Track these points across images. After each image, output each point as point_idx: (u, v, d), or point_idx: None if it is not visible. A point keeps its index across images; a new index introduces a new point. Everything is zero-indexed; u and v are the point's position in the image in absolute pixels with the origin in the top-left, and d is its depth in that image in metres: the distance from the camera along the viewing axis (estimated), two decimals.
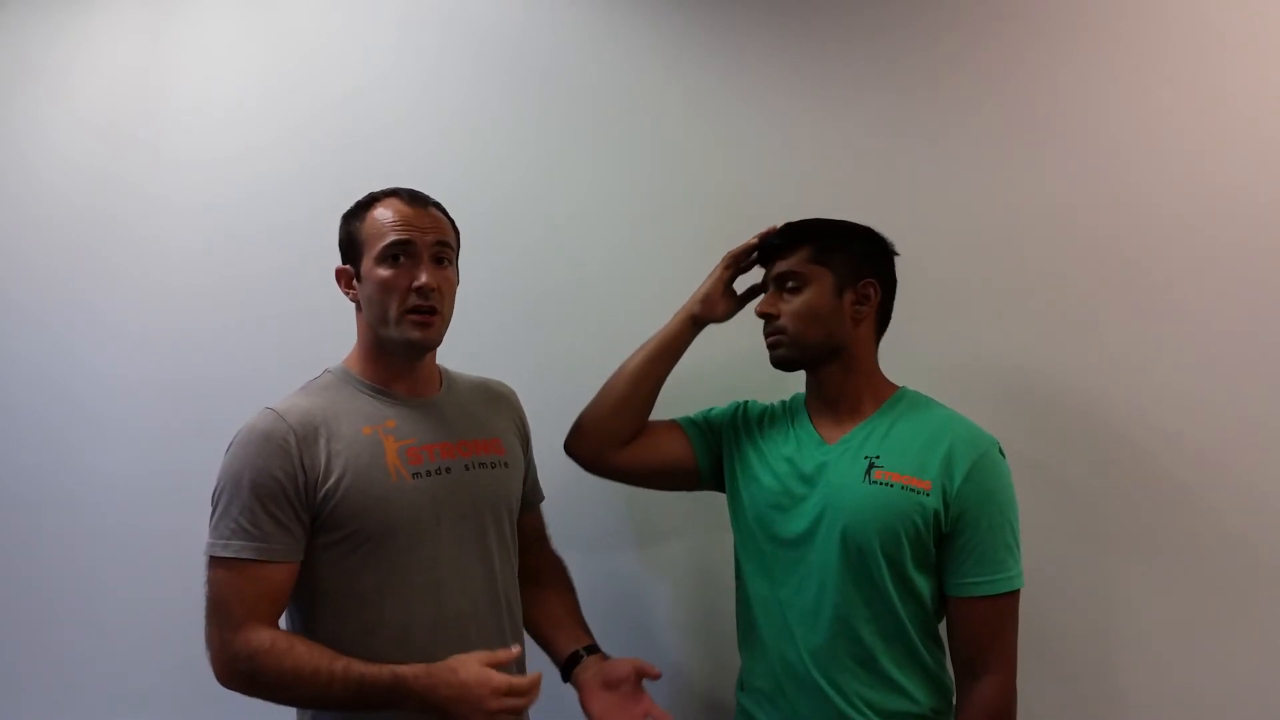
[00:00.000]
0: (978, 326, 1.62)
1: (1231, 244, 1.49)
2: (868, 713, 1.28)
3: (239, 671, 1.17)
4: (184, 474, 1.93)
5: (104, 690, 2.09)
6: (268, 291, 2.00)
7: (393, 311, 1.27)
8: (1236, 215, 1.49)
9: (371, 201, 1.33)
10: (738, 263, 1.46)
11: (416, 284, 1.26)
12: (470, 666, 1.16)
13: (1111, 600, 1.54)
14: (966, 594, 1.27)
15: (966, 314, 1.62)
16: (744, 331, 1.47)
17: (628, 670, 1.33)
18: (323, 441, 1.24)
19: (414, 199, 1.32)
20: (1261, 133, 1.48)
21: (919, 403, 1.38)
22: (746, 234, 1.45)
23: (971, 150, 1.63)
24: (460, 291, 1.37)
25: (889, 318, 1.41)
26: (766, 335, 1.38)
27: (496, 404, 1.47)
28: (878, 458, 1.31)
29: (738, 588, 1.45)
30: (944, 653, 1.34)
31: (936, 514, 1.26)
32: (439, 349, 1.36)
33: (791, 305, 1.35)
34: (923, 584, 1.29)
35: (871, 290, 1.36)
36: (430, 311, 1.28)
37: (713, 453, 1.49)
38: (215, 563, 1.20)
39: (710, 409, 1.53)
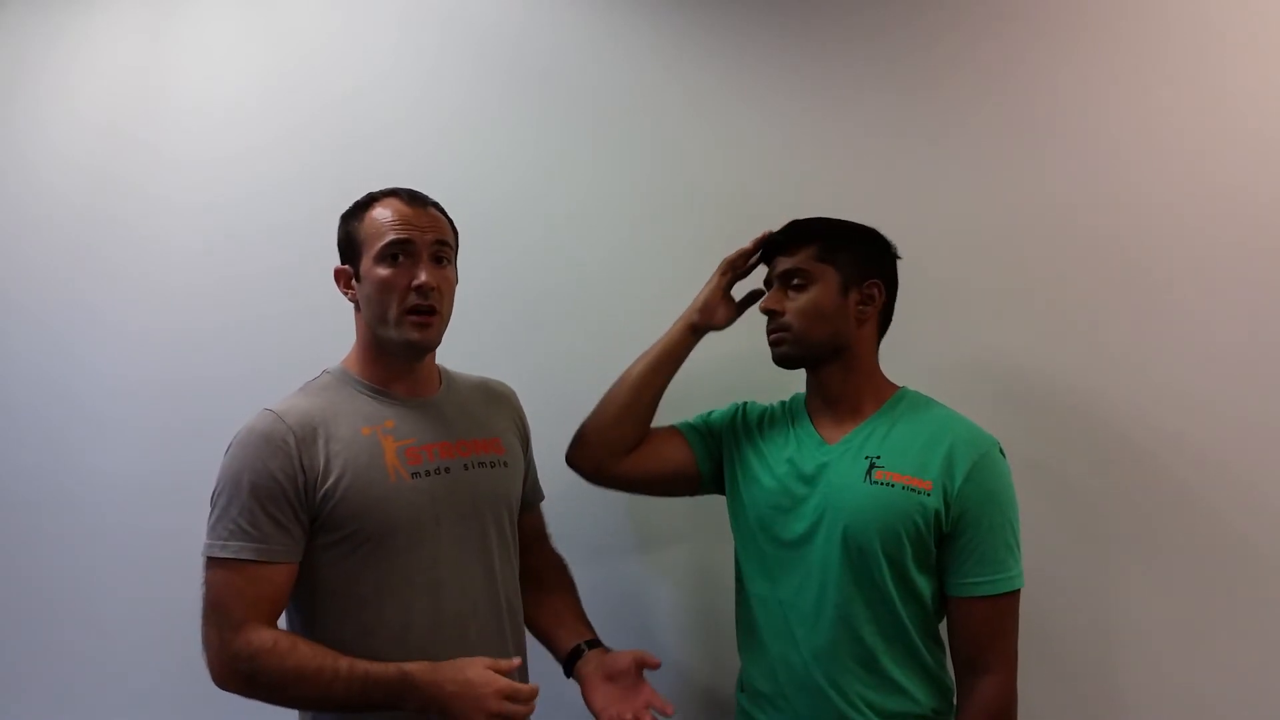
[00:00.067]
0: (978, 326, 1.62)
1: (1231, 244, 1.49)
2: (868, 713, 1.28)
3: (238, 672, 1.17)
4: (184, 474, 1.92)
5: (104, 690, 2.09)
6: (268, 291, 2.00)
7: (392, 311, 1.27)
8: (1236, 215, 1.49)
9: (370, 201, 1.33)
10: (735, 269, 1.46)
11: (416, 283, 1.26)
12: (476, 666, 1.18)
13: (1111, 600, 1.54)
14: (967, 594, 1.27)
15: (966, 314, 1.62)
16: (744, 331, 1.47)
17: (628, 661, 1.34)
18: (322, 442, 1.24)
19: (413, 199, 1.32)
20: (1261, 133, 1.48)
21: (919, 403, 1.38)
22: (746, 234, 1.45)
23: (971, 150, 1.63)
24: (460, 291, 1.37)
25: (890, 319, 1.41)
26: (769, 332, 1.38)
27: (496, 403, 1.47)
28: (878, 458, 1.31)
29: (737, 589, 1.45)
30: (944, 653, 1.34)
31: (937, 514, 1.26)
32: (439, 349, 1.36)
33: (797, 303, 1.35)
34: (923, 584, 1.29)
35: (876, 291, 1.36)
36: (429, 311, 1.28)
37: (714, 457, 1.49)
38: (213, 564, 1.20)
39: (710, 412, 1.53)
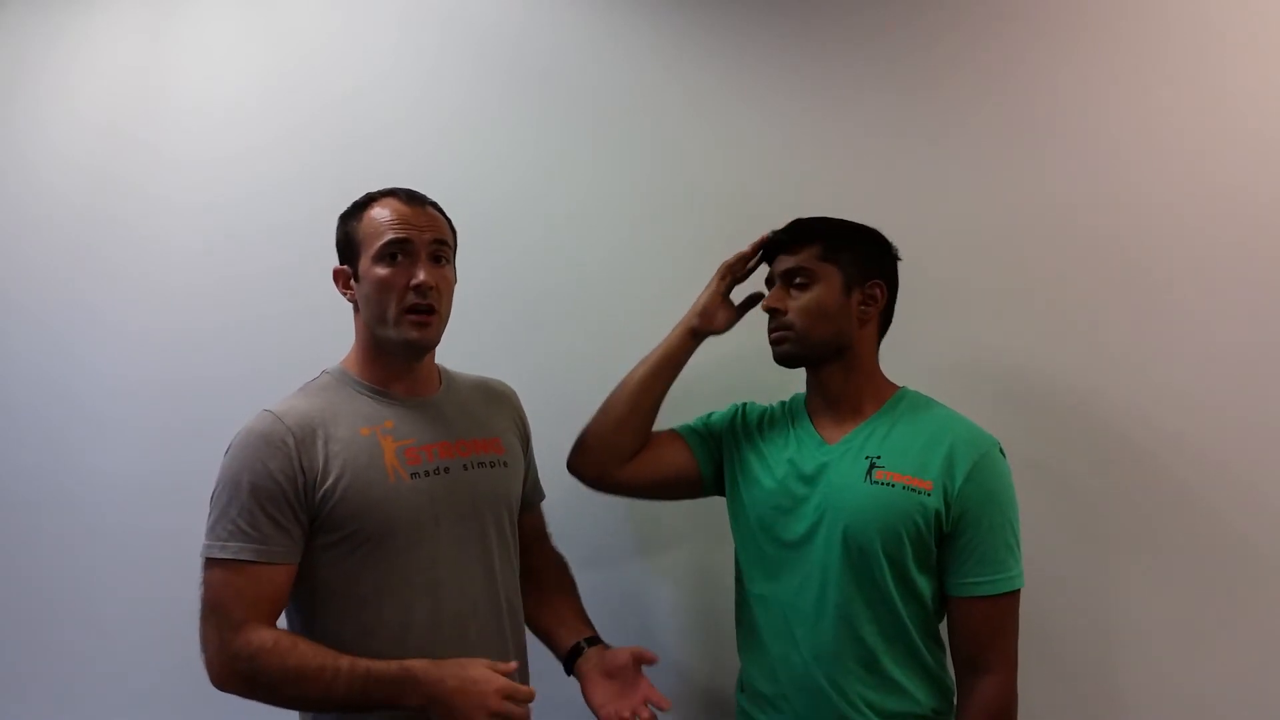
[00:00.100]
0: (978, 326, 1.61)
1: (1231, 244, 1.49)
2: (869, 713, 1.28)
3: (238, 672, 1.17)
4: (184, 474, 1.93)
5: (104, 690, 2.09)
6: (268, 291, 2.00)
7: (391, 311, 1.27)
8: (1236, 215, 1.49)
9: (368, 201, 1.33)
10: (733, 272, 1.45)
11: (414, 282, 1.26)
12: (477, 665, 1.18)
13: (1111, 600, 1.54)
14: (967, 594, 1.27)
15: (966, 314, 1.62)
16: (744, 331, 1.47)
17: (626, 658, 1.34)
18: (321, 443, 1.24)
19: (411, 198, 1.32)
20: (1261, 133, 1.48)
21: (920, 403, 1.38)
22: (747, 234, 1.45)
23: (971, 150, 1.63)
24: (460, 291, 1.37)
25: (891, 320, 1.41)
26: (771, 331, 1.38)
27: (496, 403, 1.47)
28: (879, 458, 1.31)
29: (737, 590, 1.45)
30: (945, 653, 1.34)
31: (938, 514, 1.26)
32: (439, 349, 1.36)
33: (800, 301, 1.35)
34: (924, 584, 1.29)
35: (878, 291, 1.36)
36: (428, 310, 1.28)
37: (715, 460, 1.49)
38: (213, 564, 1.20)
39: (709, 415, 1.53)
